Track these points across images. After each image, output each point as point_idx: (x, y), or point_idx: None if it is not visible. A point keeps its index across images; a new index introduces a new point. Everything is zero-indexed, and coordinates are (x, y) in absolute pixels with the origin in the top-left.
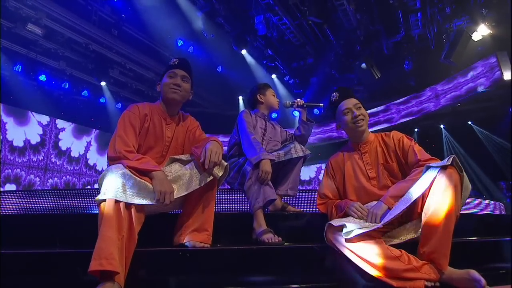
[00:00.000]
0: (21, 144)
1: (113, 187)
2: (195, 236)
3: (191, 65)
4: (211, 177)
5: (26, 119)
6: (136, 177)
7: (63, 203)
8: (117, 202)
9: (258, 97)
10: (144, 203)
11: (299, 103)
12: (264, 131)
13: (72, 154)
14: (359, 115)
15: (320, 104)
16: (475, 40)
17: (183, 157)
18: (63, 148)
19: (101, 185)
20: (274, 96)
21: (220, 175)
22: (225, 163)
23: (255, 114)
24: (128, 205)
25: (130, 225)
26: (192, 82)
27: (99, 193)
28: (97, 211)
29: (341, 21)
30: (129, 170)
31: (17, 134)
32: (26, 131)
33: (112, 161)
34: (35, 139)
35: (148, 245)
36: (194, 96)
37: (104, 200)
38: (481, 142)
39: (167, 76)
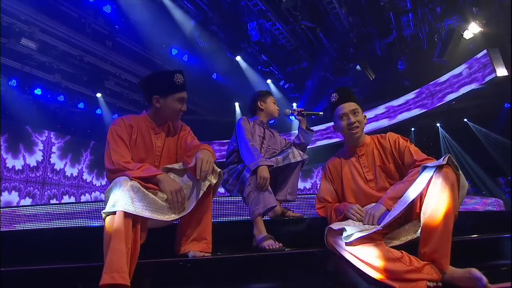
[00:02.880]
0: (18, 159)
1: (123, 200)
2: (194, 245)
3: (185, 75)
4: (207, 185)
5: (23, 133)
6: (144, 190)
7: (62, 218)
8: (126, 215)
9: (258, 104)
10: (153, 217)
11: (299, 112)
12: (263, 139)
13: (70, 167)
14: (355, 122)
15: (320, 113)
16: (467, 38)
17: (176, 166)
18: (61, 161)
19: (108, 198)
20: (275, 104)
21: (215, 182)
22: (218, 170)
23: (253, 121)
24: (135, 218)
25: (136, 238)
26: None
27: (105, 206)
28: (94, 224)
29: (334, 24)
30: (137, 182)
31: (13, 149)
32: (23, 145)
33: (112, 173)
34: (32, 154)
35: (148, 257)
36: (190, 104)
37: (112, 213)
38: (478, 139)
39: (175, 99)
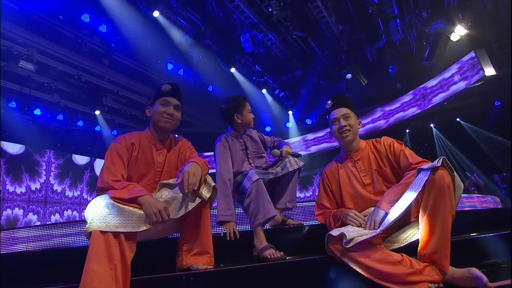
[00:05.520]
0: (19, 179)
1: (97, 218)
2: (197, 259)
3: (181, 88)
4: (200, 200)
5: (24, 154)
6: (119, 205)
7: (63, 237)
8: (103, 232)
9: (235, 117)
10: (132, 231)
11: (286, 154)
12: (245, 150)
13: (72, 185)
14: (345, 126)
15: (300, 154)
16: (454, 40)
17: (171, 181)
18: (62, 179)
19: (87, 218)
20: (250, 112)
21: (208, 196)
22: (212, 184)
23: (230, 135)
24: (116, 234)
25: (122, 254)
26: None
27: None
28: None
29: (324, 33)
30: (113, 200)
31: (15, 170)
32: (24, 165)
33: (100, 191)
34: (33, 174)
35: (150, 272)
36: (188, 117)
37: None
38: (471, 137)
39: (159, 103)
